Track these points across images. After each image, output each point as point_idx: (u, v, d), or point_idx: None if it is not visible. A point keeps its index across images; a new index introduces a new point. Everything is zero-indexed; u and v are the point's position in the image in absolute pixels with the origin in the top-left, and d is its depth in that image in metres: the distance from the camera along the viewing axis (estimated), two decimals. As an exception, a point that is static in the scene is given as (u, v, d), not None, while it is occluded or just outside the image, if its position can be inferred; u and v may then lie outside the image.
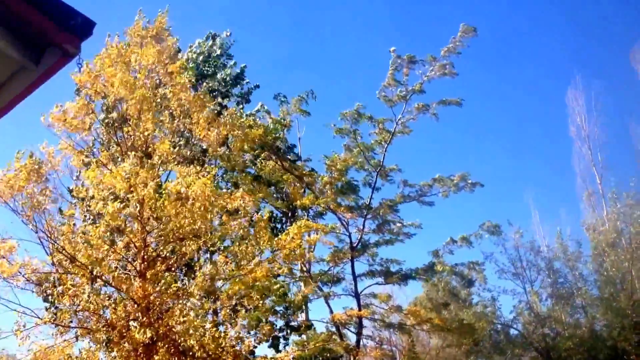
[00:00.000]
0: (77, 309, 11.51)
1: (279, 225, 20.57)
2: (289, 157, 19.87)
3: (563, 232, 27.55)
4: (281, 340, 18.71)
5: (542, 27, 57.98)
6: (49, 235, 11.27)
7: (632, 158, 34.87)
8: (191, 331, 11.72)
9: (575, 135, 36.79)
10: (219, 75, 20.75)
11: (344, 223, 19.20)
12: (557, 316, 25.92)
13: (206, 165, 13.18)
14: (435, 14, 58.25)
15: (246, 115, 18.79)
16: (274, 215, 20.20)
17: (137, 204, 11.43)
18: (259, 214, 13.42)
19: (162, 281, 12.13)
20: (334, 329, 18.24)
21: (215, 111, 15.56)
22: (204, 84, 19.88)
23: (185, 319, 11.62)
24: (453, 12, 54.27)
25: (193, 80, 13.41)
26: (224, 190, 13.52)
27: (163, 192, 11.40)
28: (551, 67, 58.23)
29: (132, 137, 12.60)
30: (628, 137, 36.68)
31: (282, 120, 19.59)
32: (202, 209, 11.11)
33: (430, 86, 19.01)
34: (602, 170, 35.13)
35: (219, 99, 19.18)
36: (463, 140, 60.54)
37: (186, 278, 13.66)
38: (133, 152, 11.52)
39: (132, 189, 11.17)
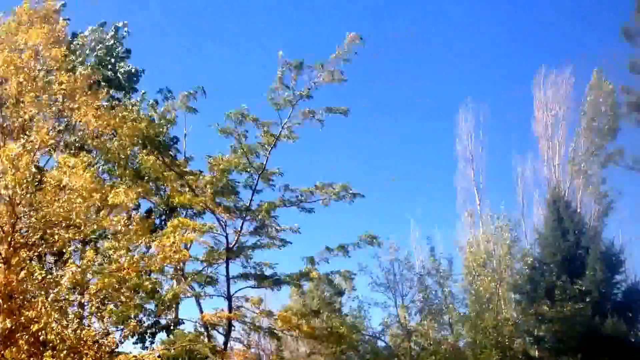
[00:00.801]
0: None
1: (157, 221, 21.19)
2: (172, 153, 20.51)
3: (437, 250, 29.73)
4: (148, 337, 19.38)
5: (445, 43, 61.59)
6: None
7: (511, 181, 38.15)
8: (54, 325, 12.25)
9: (461, 154, 39.81)
10: (115, 67, 21.22)
11: (222, 224, 20.07)
12: (424, 331, 28.07)
13: (87, 155, 13.70)
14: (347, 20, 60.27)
15: (131, 105, 19.32)
16: (153, 211, 20.84)
17: (9, 187, 11.86)
18: (138, 210, 14.12)
19: (28, 269, 12.52)
20: (203, 330, 19.16)
21: (105, 101, 16.07)
22: (94, 72, 20.21)
23: (45, 310, 12.07)
24: (356, 20, 56.53)
25: (82, 66, 13.85)
26: (106, 183, 14.09)
27: (43, 178, 11.89)
28: (447, 84, 62.00)
29: (9, 118, 12.97)
30: (509, 159, 39.89)
31: (167, 116, 20.23)
32: (80, 199, 11.74)
33: (326, 94, 20.19)
34: (482, 192, 38.33)
35: (111, 90, 19.62)
36: (354, 151, 63.13)
37: (55, 268, 14.10)
38: (22, 136, 11.95)
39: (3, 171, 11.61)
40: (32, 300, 12.54)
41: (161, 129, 19.81)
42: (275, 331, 20.48)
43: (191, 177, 20.00)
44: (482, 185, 38.22)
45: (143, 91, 22.49)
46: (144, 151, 19.02)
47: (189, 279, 19.21)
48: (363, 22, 59.22)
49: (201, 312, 19.15)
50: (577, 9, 58.76)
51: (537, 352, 27.28)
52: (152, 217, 20.56)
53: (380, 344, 28.38)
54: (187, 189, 19.97)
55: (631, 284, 26.73)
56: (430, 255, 29.18)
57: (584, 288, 25.18)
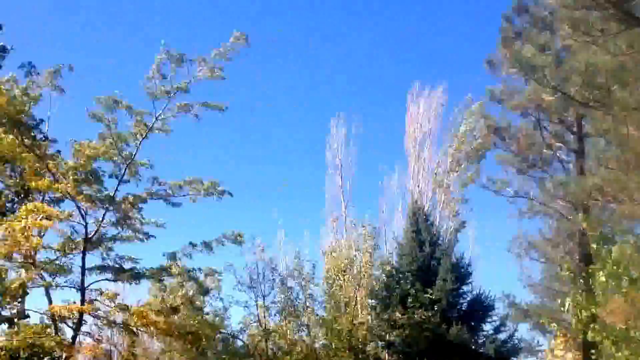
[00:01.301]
0: None
1: (8, 204, 19.78)
2: (33, 134, 19.17)
3: (302, 253, 29.79)
4: (-12, 329, 17.91)
5: (328, 49, 62.37)
6: None
7: (376, 190, 39.33)
8: None
9: (330, 162, 40.55)
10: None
11: (82, 212, 19.00)
12: (283, 332, 28.00)
13: None
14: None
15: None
16: (4, 193, 19.40)
17: None
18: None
19: None
20: (50, 322, 17.97)
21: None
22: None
23: None
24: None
25: None
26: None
27: None
28: (324, 91, 62.84)
29: None
30: (375, 169, 41.03)
31: (30, 93, 18.85)
32: None
33: (205, 90, 19.85)
34: (348, 200, 39.17)
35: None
36: (228, 149, 62.60)
37: None
38: None
39: None
40: None
41: (23, 107, 18.41)
42: (129, 327, 19.59)
43: (52, 161, 18.76)
44: (349, 193, 39.11)
45: (12, 73, 20.92)
46: (1, 129, 17.60)
47: (39, 267, 17.95)
48: (245, 22, 58.83)
49: (50, 303, 17.98)
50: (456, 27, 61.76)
51: (387, 356, 27.97)
52: (3, 199, 19.13)
53: (239, 343, 28.07)
54: (46, 173, 18.72)
55: (476, 295, 28.06)
56: (295, 258, 29.21)
57: (434, 297, 26.15)
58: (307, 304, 28.76)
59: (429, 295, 26.05)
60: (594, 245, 13.64)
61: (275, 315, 28.54)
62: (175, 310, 22.39)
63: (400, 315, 25.66)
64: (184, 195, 20.30)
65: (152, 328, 19.57)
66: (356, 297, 28.18)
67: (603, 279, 12.53)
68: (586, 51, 11.13)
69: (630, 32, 10.48)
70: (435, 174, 37.20)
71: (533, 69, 11.55)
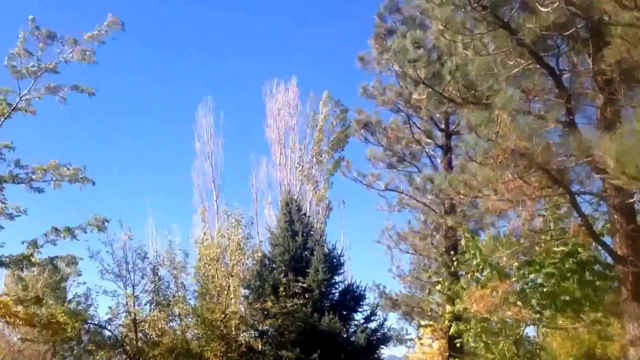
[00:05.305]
0: None
1: None
2: None
3: (174, 242, 28.75)
4: None
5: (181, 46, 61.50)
6: None
7: (247, 182, 39.23)
8: None
9: (199, 151, 40.17)
10: None
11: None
12: (153, 321, 26.76)
13: None
14: None
15: None
16: None
17: None
18: None
19: None
20: None
21: None
22: None
23: None
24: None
25: None
26: None
27: None
28: (184, 86, 61.89)
29: None
30: (245, 161, 41.13)
31: None
32: None
33: (73, 71, 18.58)
34: (218, 189, 38.98)
35: None
36: (96, 137, 60.34)
37: None
38: None
39: None
40: None
41: None
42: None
43: None
44: (219, 182, 38.98)
45: None
46: None
47: None
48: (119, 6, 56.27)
49: None
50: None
51: (260, 345, 27.66)
52: None
53: (107, 333, 26.56)
54: None
55: (347, 285, 28.36)
56: (167, 247, 28.13)
57: (306, 286, 26.11)
58: (179, 293, 27.77)
59: (301, 285, 25.98)
60: (466, 236, 14.03)
61: (145, 304, 27.27)
62: (38, 300, 20.82)
63: (272, 304, 25.39)
64: (47, 181, 18.79)
65: (12, 319, 18.05)
66: (228, 286, 27.53)
67: (473, 268, 12.93)
68: (455, 50, 11.29)
69: (496, 33, 10.72)
70: (300, 165, 37.63)
71: (407, 64, 11.58)
